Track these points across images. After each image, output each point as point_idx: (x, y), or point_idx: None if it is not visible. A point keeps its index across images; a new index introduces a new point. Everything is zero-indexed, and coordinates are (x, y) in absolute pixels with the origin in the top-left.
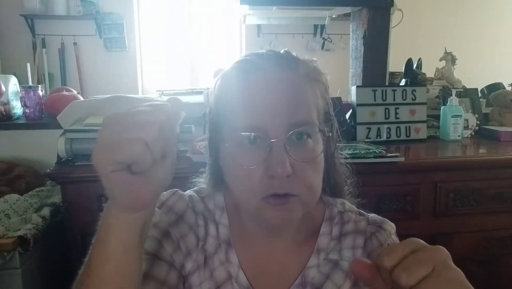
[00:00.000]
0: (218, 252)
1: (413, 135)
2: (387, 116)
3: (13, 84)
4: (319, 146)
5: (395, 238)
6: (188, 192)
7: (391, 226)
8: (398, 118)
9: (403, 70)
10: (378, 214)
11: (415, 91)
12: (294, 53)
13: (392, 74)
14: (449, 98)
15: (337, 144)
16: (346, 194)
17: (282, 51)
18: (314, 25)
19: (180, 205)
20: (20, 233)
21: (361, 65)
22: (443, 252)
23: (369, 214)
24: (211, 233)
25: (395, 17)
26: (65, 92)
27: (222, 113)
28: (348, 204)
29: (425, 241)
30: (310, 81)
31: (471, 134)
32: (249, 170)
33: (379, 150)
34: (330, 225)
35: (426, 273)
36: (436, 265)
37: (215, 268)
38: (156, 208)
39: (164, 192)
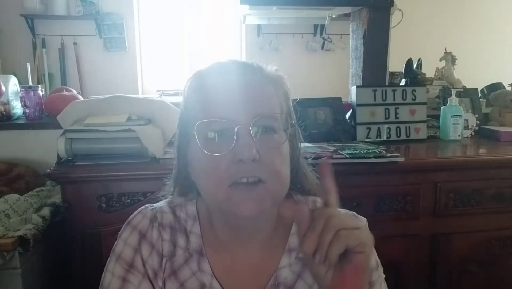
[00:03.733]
0: (189, 263)
1: (413, 135)
2: (387, 116)
3: (13, 84)
4: (285, 142)
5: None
6: (160, 204)
7: (360, 221)
8: (398, 118)
9: (403, 70)
10: (378, 214)
11: (415, 91)
12: (261, 64)
13: (392, 74)
14: (449, 98)
15: (303, 154)
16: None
17: (251, 62)
18: (314, 25)
19: (143, 223)
20: (20, 233)
21: (361, 65)
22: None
23: (339, 210)
24: (180, 245)
25: (395, 17)
26: (65, 92)
27: (191, 112)
28: (320, 201)
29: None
30: (272, 83)
31: (471, 134)
32: (216, 158)
33: (379, 150)
34: None
35: (330, 239)
36: (339, 230)
37: (186, 279)
38: (119, 238)
39: (136, 211)
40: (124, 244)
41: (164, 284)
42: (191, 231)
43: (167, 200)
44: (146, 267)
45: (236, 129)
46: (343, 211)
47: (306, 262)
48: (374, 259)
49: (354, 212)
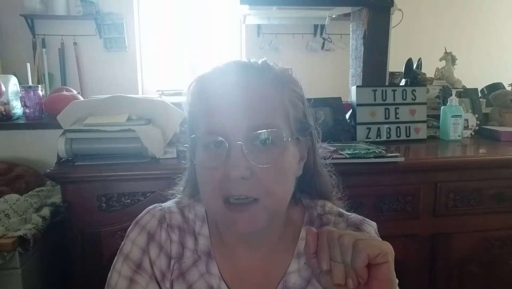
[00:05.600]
0: (198, 265)
1: (413, 135)
2: (387, 116)
3: (13, 84)
4: (287, 152)
5: (375, 237)
6: (168, 203)
7: (370, 226)
8: (398, 118)
9: (403, 70)
10: (378, 214)
11: (415, 91)
12: (271, 63)
13: (392, 74)
14: (449, 98)
15: (319, 153)
16: (334, 200)
17: (260, 61)
18: (314, 25)
19: (151, 224)
20: (20, 233)
21: (361, 65)
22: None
23: (349, 214)
24: (188, 246)
25: (395, 17)
26: (65, 92)
27: (194, 117)
28: (329, 205)
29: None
30: (278, 87)
31: (471, 134)
32: (211, 171)
33: (379, 150)
34: None
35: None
36: (356, 242)
37: (195, 281)
38: (126, 237)
39: (145, 210)
40: (132, 244)
41: (171, 286)
42: (200, 233)
43: (175, 199)
44: (154, 268)
45: (227, 145)
46: (352, 214)
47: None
48: None
49: (363, 217)
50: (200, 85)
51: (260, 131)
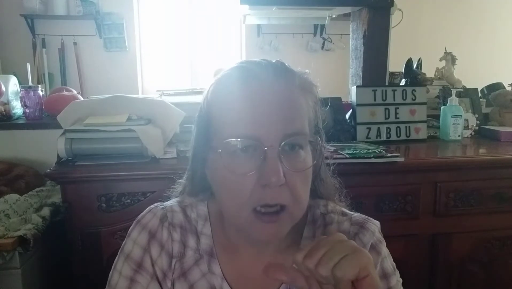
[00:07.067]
0: (200, 264)
1: (413, 135)
2: (387, 116)
3: (13, 84)
4: (309, 157)
5: (379, 236)
6: (170, 203)
7: (374, 225)
8: (398, 118)
9: (403, 70)
10: (378, 214)
11: (415, 91)
12: (287, 64)
13: (392, 74)
14: (449, 98)
15: (324, 157)
16: (336, 202)
17: (274, 61)
18: (314, 25)
19: (152, 223)
20: (20, 233)
21: (361, 65)
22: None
23: (352, 214)
24: (190, 245)
25: (395, 17)
26: (65, 92)
27: (215, 121)
28: (332, 205)
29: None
30: (304, 92)
31: (471, 134)
32: (241, 178)
33: (379, 150)
34: (312, 228)
35: (338, 259)
36: (348, 253)
37: (196, 281)
38: (128, 236)
39: (146, 209)
40: (134, 243)
41: (173, 285)
42: (202, 232)
43: (177, 199)
44: (155, 267)
45: (264, 150)
46: (356, 214)
47: None
48: (390, 263)
49: (367, 216)
50: (227, 86)
51: (294, 138)
